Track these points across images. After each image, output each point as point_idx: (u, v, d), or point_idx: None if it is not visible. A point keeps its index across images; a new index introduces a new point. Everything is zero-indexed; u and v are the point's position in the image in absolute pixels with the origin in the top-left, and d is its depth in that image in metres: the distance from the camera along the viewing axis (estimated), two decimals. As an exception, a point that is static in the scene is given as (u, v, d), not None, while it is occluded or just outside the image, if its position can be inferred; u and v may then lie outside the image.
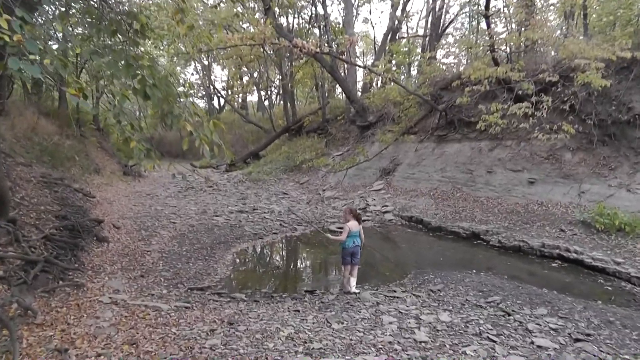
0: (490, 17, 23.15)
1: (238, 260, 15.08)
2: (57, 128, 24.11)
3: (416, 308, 9.48)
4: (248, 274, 13.94)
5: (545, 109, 17.21)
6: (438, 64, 28.14)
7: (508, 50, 21.84)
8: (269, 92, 53.96)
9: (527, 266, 13.82)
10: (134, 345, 7.11)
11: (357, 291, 10.99)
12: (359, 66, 31.35)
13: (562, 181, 18.88)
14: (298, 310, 9.42)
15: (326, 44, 27.77)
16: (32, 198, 13.71)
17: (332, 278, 13.18)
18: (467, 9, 36.70)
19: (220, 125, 6.70)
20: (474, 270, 12.95)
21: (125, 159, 33.60)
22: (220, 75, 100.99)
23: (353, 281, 11.12)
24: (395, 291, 11.07)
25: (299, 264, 16.01)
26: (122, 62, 6.33)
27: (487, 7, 22.04)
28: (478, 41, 29.73)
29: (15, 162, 15.69)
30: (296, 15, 40.95)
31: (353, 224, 11.17)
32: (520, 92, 19.40)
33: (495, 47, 21.35)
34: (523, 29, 22.10)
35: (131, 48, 7.11)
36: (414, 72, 38.07)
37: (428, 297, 10.37)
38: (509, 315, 9.09)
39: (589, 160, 18.92)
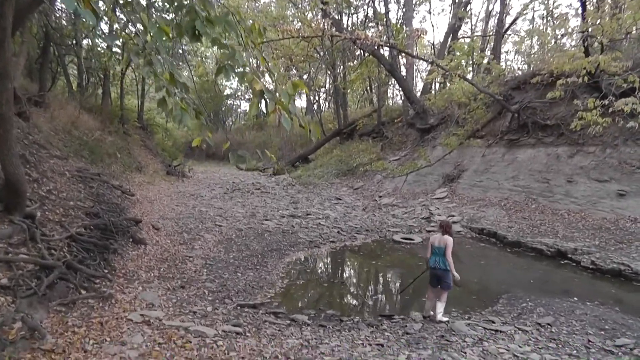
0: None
1: (294, 272, 13.20)
2: (99, 124, 23.25)
3: (532, 350, 7.35)
4: (307, 289, 12.02)
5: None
6: (507, 63, 25.94)
7: (601, 39, 19.13)
8: (317, 96, 52.37)
9: (637, 296, 11.51)
10: (169, 394, 5.18)
11: (446, 319, 8.97)
12: (425, 60, 29.24)
13: (660, 195, 16.44)
14: (382, 345, 7.41)
15: (387, 38, 25.76)
16: (60, 192, 12.06)
17: (408, 299, 11.01)
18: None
19: (302, 87, 4.64)
20: (576, 298, 10.72)
21: (170, 158, 32.92)
22: (267, 78, 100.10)
23: (440, 307, 9.12)
24: (493, 322, 8.97)
25: (364, 280, 14.05)
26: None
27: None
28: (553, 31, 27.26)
29: (50, 154, 14.25)
30: (350, 15, 39.73)
31: (434, 238, 9.42)
32: (611, 88, 17.01)
33: (589, 34, 18.89)
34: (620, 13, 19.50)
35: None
36: (475, 73, 35.90)
37: (540, 335, 8.22)
38: (656, 367, 6.91)
39: (694, 171, 16.48)
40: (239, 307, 9.39)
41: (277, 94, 4.43)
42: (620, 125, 16.11)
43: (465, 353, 7.02)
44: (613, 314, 9.56)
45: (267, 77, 5.19)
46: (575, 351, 7.44)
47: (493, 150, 23.73)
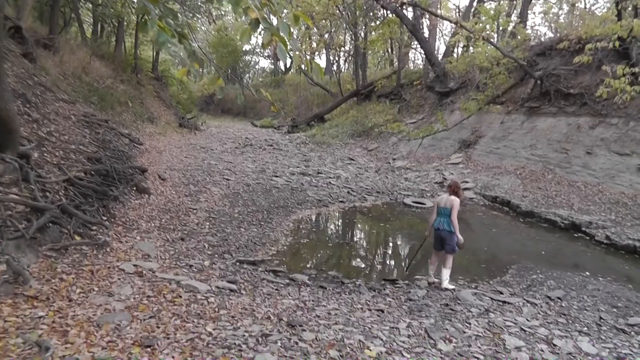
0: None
1: (299, 230, 12.88)
2: (111, 71, 22.84)
3: (540, 324, 6.92)
4: (311, 249, 11.68)
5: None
6: (533, 29, 25.19)
7: (636, 1, 18.20)
8: (337, 57, 51.62)
9: (651, 274, 11.09)
10: (148, 350, 4.85)
11: (452, 287, 8.59)
12: (449, 20, 28.53)
13: (682, 171, 15.88)
14: (382, 311, 7.04)
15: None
16: (62, 135, 11.74)
17: (415, 264, 10.58)
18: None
19: (304, 19, 4.18)
20: (588, 273, 10.29)
21: (184, 111, 32.74)
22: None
23: (445, 273, 8.71)
24: (501, 293, 8.56)
25: (371, 242, 13.63)
26: None
27: None
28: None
29: (56, 97, 13.93)
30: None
31: (440, 199, 9.02)
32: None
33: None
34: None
35: None
36: (500, 38, 35.10)
37: (549, 308, 7.80)
38: (672, 351, 6.49)
39: None
40: (238, 263, 9.09)
41: (276, 25, 3.96)
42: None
43: (469, 324, 6.64)
44: (626, 291, 9.12)
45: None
46: (585, 328, 7.01)
47: (512, 117, 23.10)
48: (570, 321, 7.26)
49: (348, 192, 17.35)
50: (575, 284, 9.30)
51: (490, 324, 6.71)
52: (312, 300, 7.21)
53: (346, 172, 21.48)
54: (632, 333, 6.96)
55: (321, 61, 58.18)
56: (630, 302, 8.34)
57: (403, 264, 11.00)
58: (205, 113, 45.41)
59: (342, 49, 49.01)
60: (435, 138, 24.82)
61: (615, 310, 7.95)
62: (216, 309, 6.28)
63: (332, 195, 16.68)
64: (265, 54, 61.72)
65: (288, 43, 4.01)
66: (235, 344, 5.20)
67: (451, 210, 8.64)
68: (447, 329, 6.33)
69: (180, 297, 6.55)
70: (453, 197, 8.76)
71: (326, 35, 45.58)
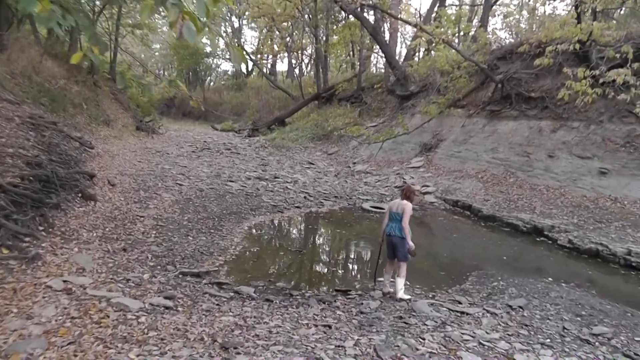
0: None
1: (250, 238, 12.29)
2: (65, 72, 21.88)
3: (501, 337, 6.45)
4: (261, 258, 11.05)
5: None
6: (494, 33, 25.14)
7: (595, 3, 18.05)
8: (300, 60, 51.46)
9: (614, 279, 10.79)
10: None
11: (407, 297, 8.07)
12: (409, 23, 28.27)
13: (643, 175, 15.73)
14: (329, 327, 6.50)
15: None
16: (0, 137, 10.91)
17: (370, 272, 10.08)
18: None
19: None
20: (551, 279, 9.93)
21: (142, 114, 32.07)
22: (250, 39, 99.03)
23: (400, 283, 8.17)
24: (460, 303, 8.08)
25: (326, 249, 13.16)
26: None
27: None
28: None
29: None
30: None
31: (393, 203, 8.52)
32: (600, 60, 16.17)
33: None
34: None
35: None
36: (461, 42, 35.06)
37: (510, 319, 7.33)
38: (636, 363, 6.07)
39: (679, 151, 15.79)
40: (180, 276, 8.48)
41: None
42: (607, 101, 15.36)
43: (424, 339, 6.10)
44: (590, 297, 8.75)
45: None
46: (548, 340, 6.56)
47: (474, 120, 22.90)
48: (532, 332, 6.81)
49: (305, 197, 16.85)
50: (538, 291, 8.88)
51: (447, 338, 6.19)
52: (254, 317, 6.63)
53: (304, 176, 21.01)
54: (597, 344, 6.56)
55: (283, 67, 57.99)
56: (594, 310, 7.95)
57: (356, 271, 10.54)
58: (166, 117, 44.70)
59: (305, 52, 48.84)
60: (396, 142, 24.46)
61: (579, 319, 7.53)
62: (145, 331, 5.68)
63: (288, 200, 16.15)
64: (227, 57, 61.40)
65: (203, 24, 3.45)
66: (158, 374, 4.62)
67: (402, 216, 8.12)
68: (398, 346, 5.78)
69: (108, 317, 5.94)
70: (405, 201, 8.24)
71: (288, 39, 45.32)
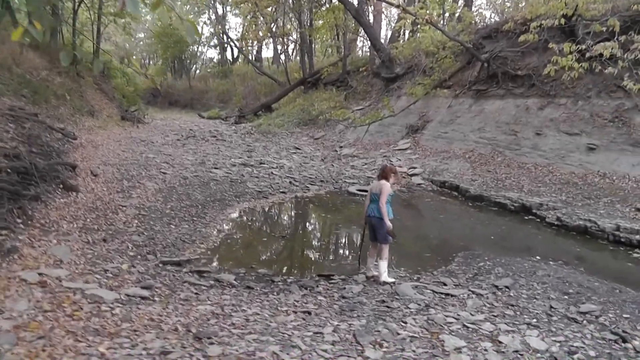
0: None
1: (234, 225, 12.20)
2: (47, 63, 21.37)
3: (486, 318, 6.30)
4: (244, 244, 10.94)
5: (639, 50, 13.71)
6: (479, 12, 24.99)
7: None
8: (285, 46, 51.29)
9: (602, 255, 10.70)
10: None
11: (391, 280, 7.89)
12: (392, 4, 28.01)
13: (631, 149, 15.59)
14: (309, 313, 6.34)
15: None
16: (-25, 129, 10.70)
17: (354, 256, 9.94)
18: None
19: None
20: (539, 257, 9.79)
21: (128, 104, 31.67)
22: (235, 25, 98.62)
23: (382, 266, 8.00)
24: (445, 284, 7.92)
25: (310, 234, 13.01)
26: None
27: None
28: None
29: (-24, 90, 12.80)
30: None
31: (373, 185, 8.43)
32: (587, 35, 16.01)
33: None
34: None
35: None
36: (447, 23, 34.89)
37: (496, 299, 7.19)
38: (625, 341, 5.90)
39: (667, 125, 15.71)
40: (161, 265, 8.28)
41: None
42: (595, 76, 15.23)
43: (406, 323, 5.94)
44: (578, 275, 8.62)
45: None
46: (535, 320, 6.41)
47: (460, 101, 22.78)
48: (518, 313, 6.67)
49: (290, 182, 16.69)
50: (525, 270, 8.73)
51: (430, 321, 6.04)
52: (232, 305, 6.45)
53: (290, 161, 20.85)
54: (584, 322, 6.41)
55: (268, 53, 57.67)
56: (581, 288, 7.80)
57: (340, 255, 10.42)
58: (152, 106, 44.33)
59: (290, 37, 48.60)
60: (382, 124, 24.31)
61: (566, 297, 7.39)
62: (119, 322, 5.49)
63: (273, 186, 15.98)
64: (213, 44, 61.03)
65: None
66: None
67: (380, 196, 7.96)
68: (379, 331, 5.62)
69: (82, 309, 5.74)
70: (383, 181, 8.06)
71: (272, 25, 45.04)
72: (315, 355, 4.90)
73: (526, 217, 13.39)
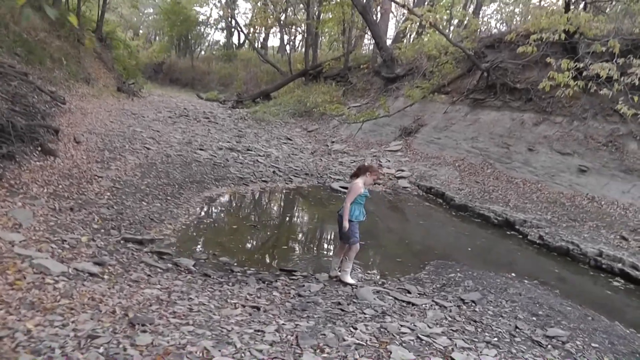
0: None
1: (207, 209, 11.90)
2: (47, 25, 21.03)
3: (443, 332, 6.04)
4: (213, 230, 10.66)
5: (637, 75, 13.46)
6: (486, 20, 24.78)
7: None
8: (292, 36, 51.00)
9: (581, 280, 10.39)
10: None
11: (353, 282, 7.66)
12: (398, 4, 27.76)
13: (622, 176, 15.34)
14: (258, 308, 6.07)
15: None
16: (-47, 83, 10.41)
17: (324, 253, 9.69)
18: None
19: None
20: (514, 274, 9.52)
21: (127, 76, 31.13)
22: (244, 10, 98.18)
23: (346, 265, 7.79)
24: (409, 292, 7.66)
25: (283, 227, 12.61)
26: None
27: None
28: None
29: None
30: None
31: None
32: (587, 54, 15.82)
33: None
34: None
35: None
36: (452, 29, 34.66)
37: (459, 313, 6.92)
38: (588, 373, 5.69)
39: (661, 155, 15.49)
40: (122, 241, 8.03)
41: None
42: (592, 97, 15.07)
43: (355, 329, 5.66)
44: (551, 297, 8.35)
45: None
46: (496, 339, 6.14)
47: (456, 108, 22.53)
48: (479, 329, 6.39)
49: (274, 172, 16.43)
50: (496, 286, 8.45)
51: (382, 329, 5.76)
52: (181, 292, 6.18)
53: (279, 151, 20.56)
54: (549, 347, 6.12)
55: (275, 39, 57.37)
56: (552, 311, 7.51)
57: (310, 253, 10.16)
58: (153, 82, 44.08)
59: (298, 28, 48.34)
60: (377, 124, 24.12)
61: (534, 318, 7.10)
62: (58, 298, 5.21)
63: (256, 173, 15.73)
64: (220, 27, 60.64)
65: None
66: (49, 347, 4.15)
67: (347, 194, 7.72)
68: (324, 335, 5.33)
69: (25, 279, 5.48)
70: (355, 180, 7.80)
71: (282, 14, 44.84)
72: (248, 355, 4.59)
73: (508, 232, 13.11)
